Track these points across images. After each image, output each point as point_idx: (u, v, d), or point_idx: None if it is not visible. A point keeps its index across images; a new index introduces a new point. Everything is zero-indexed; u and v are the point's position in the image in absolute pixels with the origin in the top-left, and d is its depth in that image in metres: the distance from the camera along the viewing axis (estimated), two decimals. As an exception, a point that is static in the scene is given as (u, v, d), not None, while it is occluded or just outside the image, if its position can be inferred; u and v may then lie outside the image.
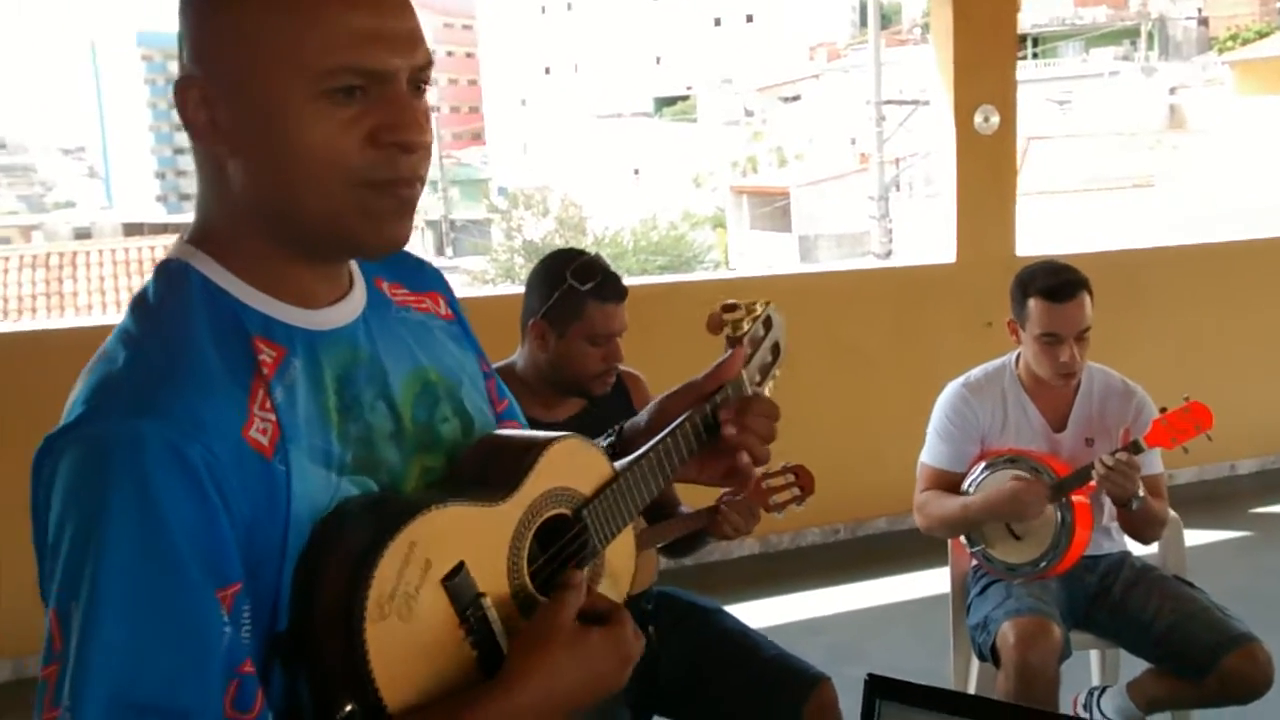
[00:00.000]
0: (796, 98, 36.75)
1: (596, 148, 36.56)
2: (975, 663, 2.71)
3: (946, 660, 2.89)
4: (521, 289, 2.36)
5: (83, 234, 34.01)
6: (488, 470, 1.05)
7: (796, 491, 2.36)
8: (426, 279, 1.17)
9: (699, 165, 32.10)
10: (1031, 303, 2.63)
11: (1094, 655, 2.96)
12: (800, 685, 2.19)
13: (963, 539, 2.75)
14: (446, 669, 0.95)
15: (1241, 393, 4.99)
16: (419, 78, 0.95)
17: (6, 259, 14.85)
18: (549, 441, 1.06)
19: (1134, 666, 2.70)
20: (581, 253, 2.29)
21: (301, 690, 0.94)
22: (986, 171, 4.86)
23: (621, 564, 1.15)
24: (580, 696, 1.00)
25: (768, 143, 33.92)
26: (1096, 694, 2.84)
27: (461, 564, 0.96)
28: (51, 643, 0.86)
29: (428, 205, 40.25)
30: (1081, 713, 2.86)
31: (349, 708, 0.90)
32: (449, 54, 62.65)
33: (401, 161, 0.94)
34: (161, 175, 57.03)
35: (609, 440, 1.27)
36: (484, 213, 35.71)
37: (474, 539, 0.98)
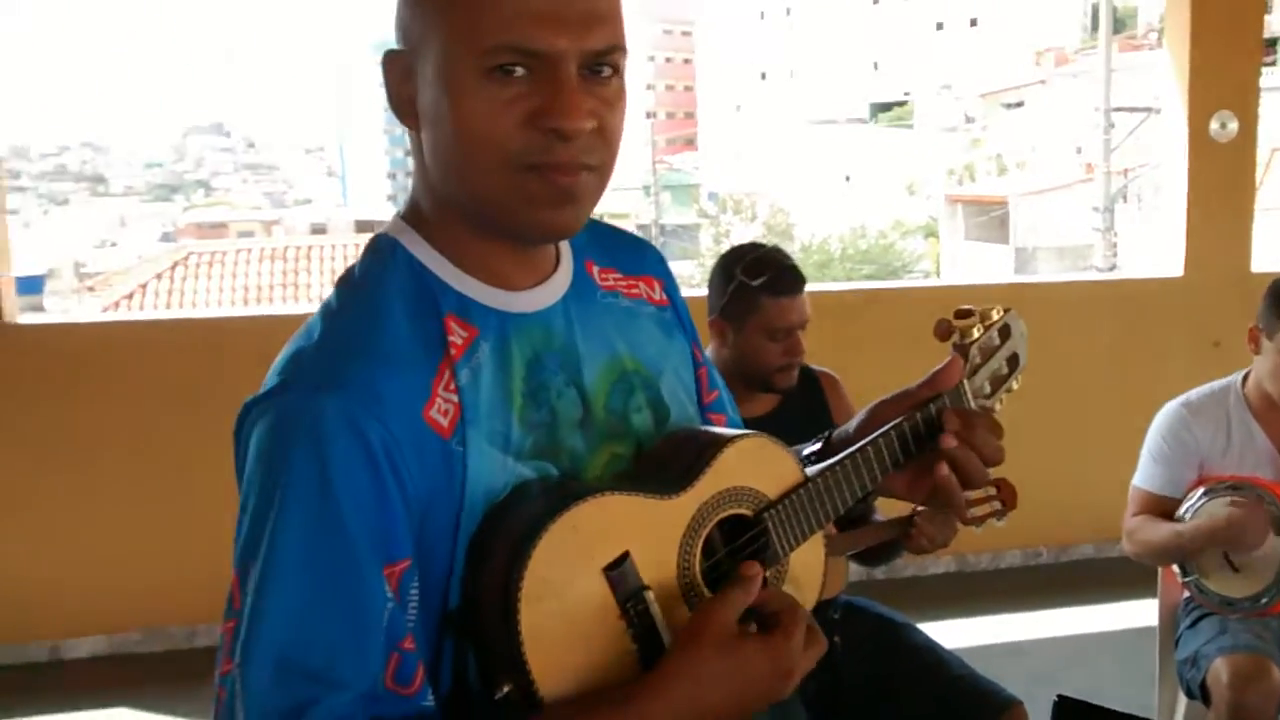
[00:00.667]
0: (1020, 104, 35.46)
1: (809, 154, 36.26)
2: (1183, 700, 2.55)
3: (1151, 695, 2.73)
4: None
5: (319, 230, 36.10)
6: (668, 463, 1.03)
7: (997, 505, 2.27)
8: (645, 262, 1.16)
9: (913, 172, 31.39)
10: None
11: (1320, 704, 2.74)
12: (991, 707, 2.11)
13: (1175, 568, 2.60)
14: (604, 660, 0.93)
15: None
16: (601, 61, 0.93)
17: (249, 250, 15.89)
18: (731, 439, 1.03)
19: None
20: (757, 246, 2.31)
21: (470, 668, 0.96)
22: (1221, 181, 4.57)
23: (807, 575, 1.10)
24: (731, 704, 0.94)
25: (987, 150, 32.87)
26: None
27: (626, 554, 0.94)
28: (231, 600, 0.90)
29: (639, 209, 40.92)
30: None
31: (507, 688, 0.90)
32: (667, 60, 63.44)
33: (559, 148, 0.92)
34: (393, 176, 60.09)
35: (818, 445, 1.20)
36: (694, 218, 36.01)
37: (643, 530, 0.96)
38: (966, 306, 1.20)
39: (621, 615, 0.94)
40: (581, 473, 1.01)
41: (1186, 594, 2.61)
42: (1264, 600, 2.45)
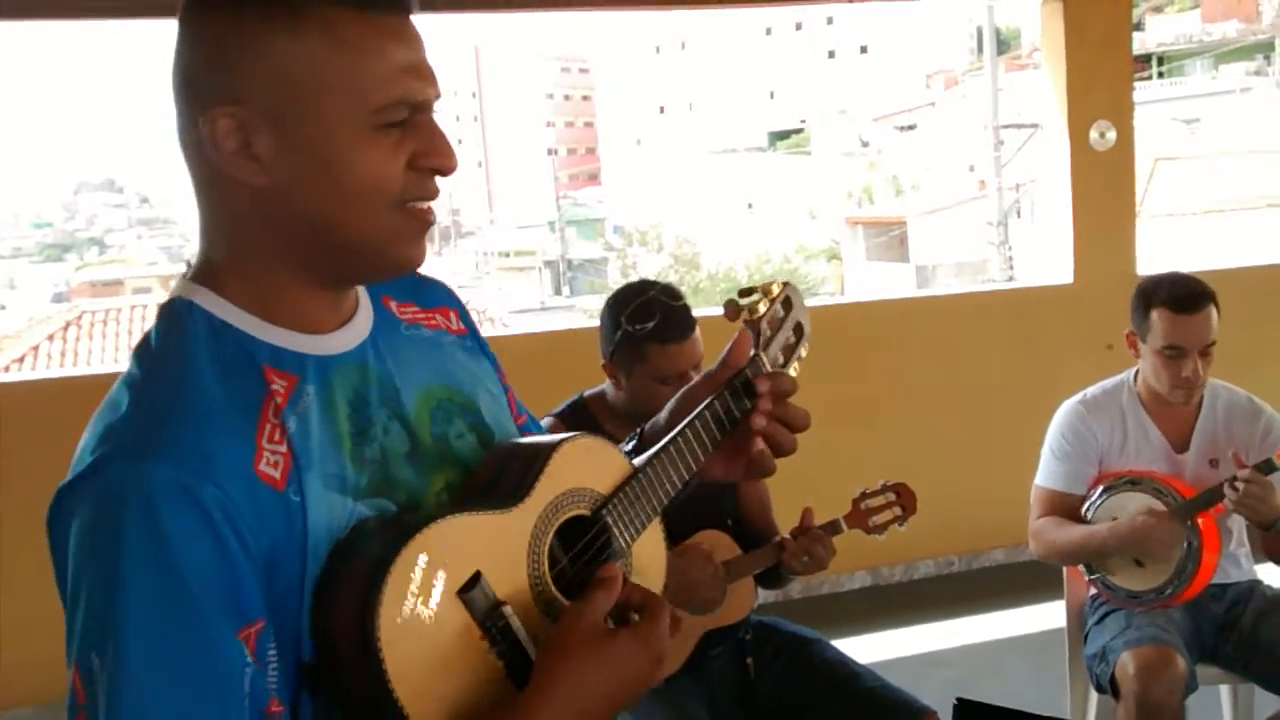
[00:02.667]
0: (913, 127, 36.33)
1: (711, 184, 36.66)
2: (1094, 695, 2.58)
3: (1065, 695, 2.76)
4: None
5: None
6: (500, 479, 1.03)
7: (898, 511, 2.29)
8: (436, 295, 1.17)
9: (813, 197, 31.90)
10: (1155, 314, 2.51)
11: (1225, 691, 2.79)
12: (904, 717, 2.10)
13: (1081, 566, 2.63)
14: (473, 683, 0.93)
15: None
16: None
17: (145, 307, 15.50)
18: (559, 443, 1.05)
19: (1269, 704, 2.54)
20: (644, 289, 2.22)
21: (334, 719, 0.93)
22: (1104, 189, 4.70)
23: (652, 563, 1.13)
24: (612, 702, 0.97)
25: (883, 173, 33.56)
26: (1230, 732, 2.68)
27: (478, 574, 0.94)
28: (76, 696, 0.86)
29: (544, 245, 40.94)
30: (1214, 752, 2.70)
31: None
32: (565, 97, 63.76)
33: (431, 185, 0.98)
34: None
35: (631, 444, 1.24)
36: (600, 251, 36.12)
37: (489, 548, 0.96)
38: (748, 285, 1.27)
39: (484, 635, 0.94)
40: (419, 505, 1.01)
41: (1093, 591, 2.64)
42: (1168, 592, 2.50)
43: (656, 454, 1.12)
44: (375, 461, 0.99)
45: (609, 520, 1.07)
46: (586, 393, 2.35)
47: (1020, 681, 3.53)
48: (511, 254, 45.03)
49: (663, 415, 1.22)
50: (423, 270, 1.15)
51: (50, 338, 13.95)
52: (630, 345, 2.17)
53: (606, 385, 2.31)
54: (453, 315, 1.17)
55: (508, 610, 0.95)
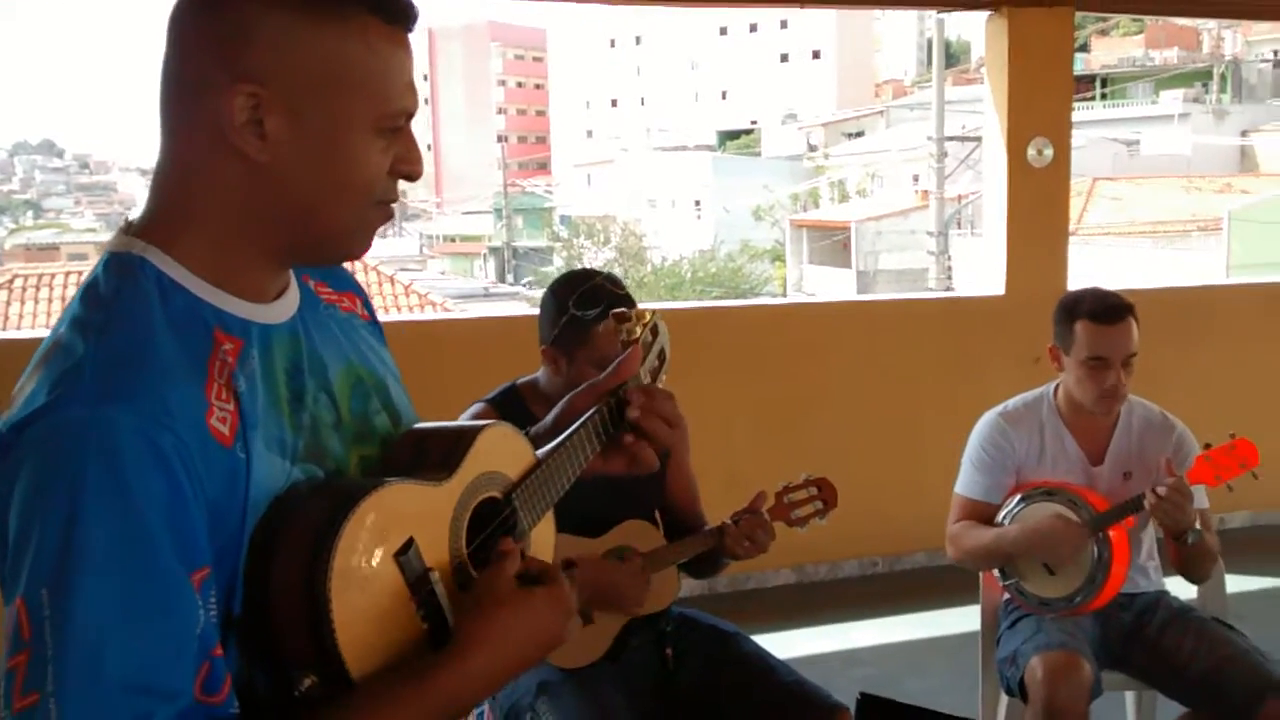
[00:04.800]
0: (860, 134, 36.67)
1: (659, 179, 36.71)
2: (1004, 698, 2.65)
3: (977, 697, 2.83)
4: None
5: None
6: (423, 455, 1.10)
7: (819, 505, 2.34)
8: (344, 280, 1.23)
9: (760, 198, 32.07)
10: (1079, 325, 2.58)
11: (1129, 697, 2.88)
12: (817, 713, 2.14)
13: (995, 572, 2.70)
14: (400, 641, 0.98)
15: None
16: None
17: (81, 273, 15.19)
18: (483, 426, 1.13)
19: (1171, 711, 2.62)
20: (589, 275, 2.25)
21: (255, 673, 0.96)
22: (1039, 204, 4.80)
23: (543, 549, 1.21)
24: (530, 653, 1.05)
25: (829, 178, 33.83)
26: (1131, 737, 2.76)
27: (411, 539, 1.00)
28: (19, 631, 0.85)
29: (491, 232, 40.73)
30: (1114, 755, 2.78)
31: (308, 681, 0.92)
32: (519, 85, 63.46)
33: (397, 187, 1.07)
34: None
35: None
36: (546, 241, 36.02)
37: (420, 516, 1.02)
38: (622, 310, 1.42)
39: (412, 597, 1.00)
40: (343, 474, 1.07)
41: (1006, 596, 2.71)
42: (1077, 600, 2.57)
43: (556, 448, 1.22)
44: (308, 428, 1.04)
45: (517, 504, 1.15)
46: (520, 380, 2.37)
47: (937, 681, 3.61)
48: (457, 239, 44.76)
49: (548, 419, 1.33)
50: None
51: (-21, 300, 13.62)
52: (575, 329, 2.19)
53: (540, 373, 2.33)
54: (358, 301, 1.23)
55: (434, 576, 1.01)
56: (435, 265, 37.65)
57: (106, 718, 0.84)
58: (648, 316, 1.43)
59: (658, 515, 2.39)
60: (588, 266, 2.87)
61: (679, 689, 2.27)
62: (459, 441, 1.10)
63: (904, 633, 4.13)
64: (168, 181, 1.02)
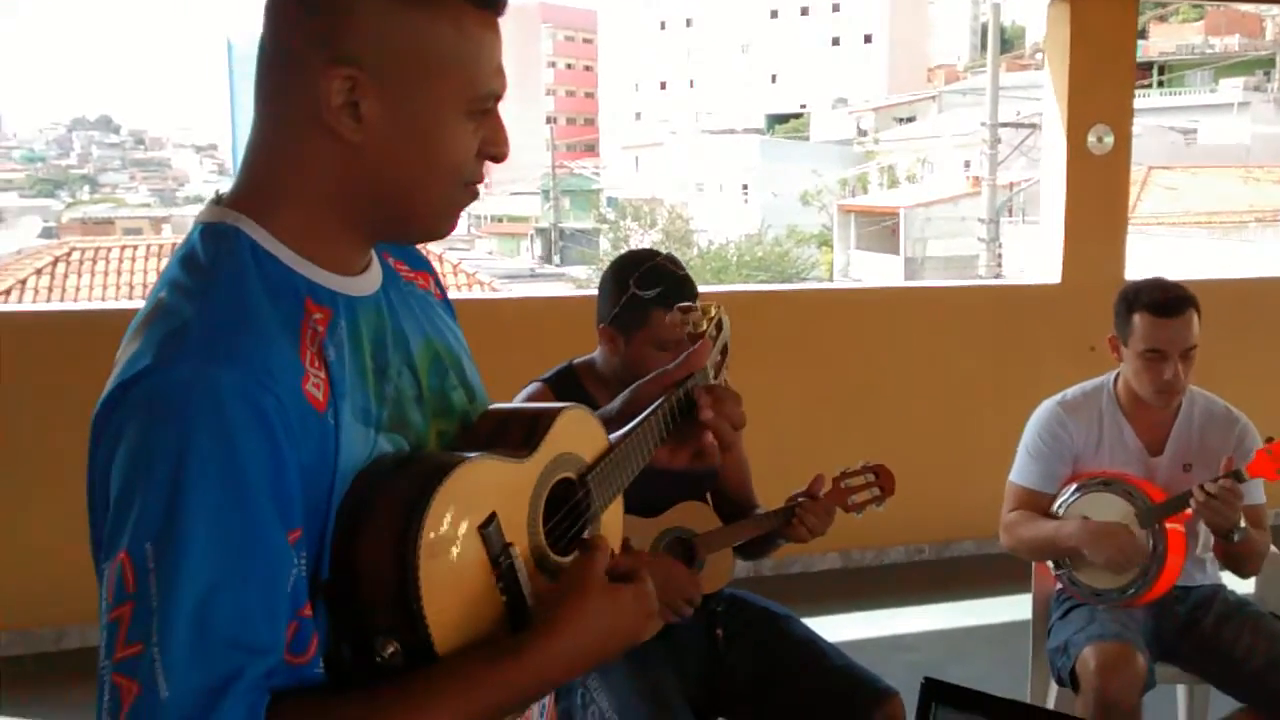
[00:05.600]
0: (912, 119, 36.33)
1: (707, 163, 36.56)
2: (1054, 688, 2.64)
3: (1026, 686, 2.81)
4: None
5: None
6: (504, 433, 1.12)
7: (876, 492, 2.33)
8: (418, 259, 1.24)
9: (808, 183, 31.86)
10: (1137, 317, 2.55)
11: (1181, 691, 2.85)
12: (869, 698, 2.15)
13: (1049, 561, 2.68)
14: (481, 615, 0.99)
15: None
16: None
17: (135, 247, 15.40)
18: (561, 408, 1.14)
19: (1222, 706, 2.60)
20: (651, 255, 2.25)
21: (340, 639, 0.97)
22: (1098, 192, 4.74)
23: (613, 531, 1.21)
24: (612, 645, 1.05)
25: (879, 163, 33.55)
26: (1182, 731, 2.74)
27: (494, 514, 1.01)
28: (123, 584, 0.87)
29: (538, 213, 40.78)
30: (1165, 749, 2.76)
31: (391, 649, 0.93)
32: (568, 66, 63.42)
33: (483, 169, 1.08)
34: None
35: None
36: (593, 223, 36.01)
37: (502, 492, 1.03)
38: (687, 304, 1.44)
39: (493, 571, 1.00)
40: (424, 446, 1.08)
41: (1059, 586, 2.69)
42: (1130, 592, 2.55)
43: (627, 434, 1.23)
44: (392, 400, 1.05)
45: (591, 486, 1.16)
46: (576, 360, 2.38)
47: (983, 669, 3.58)
48: (505, 219, 44.89)
49: (614, 405, 1.34)
50: None
51: (39, 273, 13.85)
52: (635, 308, 2.19)
53: (596, 353, 2.34)
54: (430, 279, 1.25)
55: (514, 551, 1.02)
56: (483, 245, 37.81)
57: (206, 669, 0.86)
58: (713, 311, 1.43)
59: (709, 497, 2.39)
60: (637, 249, 2.87)
61: (729, 670, 2.27)
62: (539, 422, 1.12)
63: (951, 620, 4.11)
64: (260, 156, 1.04)
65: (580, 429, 1.17)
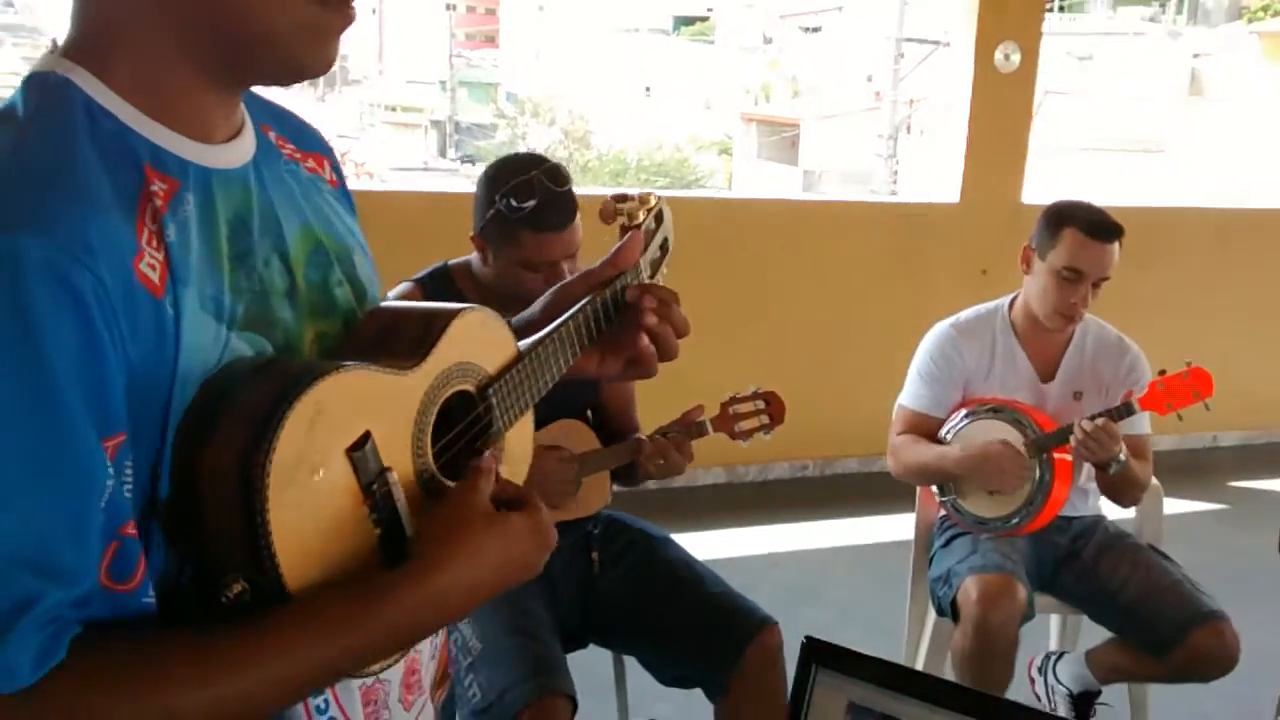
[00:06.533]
0: (818, 29, 36.08)
1: (609, 62, 35.89)
2: (932, 616, 2.60)
3: (903, 610, 2.78)
4: None
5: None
6: (391, 338, 0.96)
7: (765, 420, 2.23)
8: (312, 140, 1.07)
9: (711, 89, 31.53)
10: (1068, 232, 2.48)
11: (1054, 620, 2.86)
12: (745, 627, 2.06)
13: (933, 487, 2.63)
14: (347, 547, 0.85)
15: (1232, 363, 4.84)
16: None
17: None
18: (458, 310, 0.98)
19: (1094, 635, 2.60)
20: (530, 165, 2.04)
21: (185, 566, 0.83)
22: (1001, 112, 4.68)
23: (520, 450, 1.09)
24: (501, 580, 0.92)
25: (783, 72, 33.33)
26: (1053, 659, 2.75)
27: (368, 434, 0.86)
28: None
29: (434, 104, 39.70)
30: (1035, 677, 2.76)
31: (237, 588, 0.79)
32: (469, -48, 61.38)
33: None
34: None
35: None
36: (490, 117, 35.23)
37: (380, 409, 0.89)
38: (623, 191, 1.27)
39: (365, 499, 0.87)
40: (294, 349, 0.92)
41: (942, 513, 2.65)
42: (1015, 521, 2.51)
43: (539, 342, 1.07)
44: (254, 292, 0.89)
45: (493, 400, 1.01)
46: (452, 261, 2.21)
47: (858, 591, 3.58)
48: (398, 109, 43.59)
49: (535, 308, 1.17)
50: (301, 115, 1.06)
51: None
52: (502, 225, 2.02)
53: (473, 256, 2.17)
54: (326, 164, 1.08)
55: (392, 477, 0.88)
56: (373, 135, 36.69)
57: None
58: (652, 201, 1.27)
59: (590, 415, 2.26)
60: (531, 151, 2.67)
61: (603, 596, 2.18)
62: (431, 325, 0.96)
63: (830, 539, 4.10)
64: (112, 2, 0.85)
65: (483, 334, 1.02)
